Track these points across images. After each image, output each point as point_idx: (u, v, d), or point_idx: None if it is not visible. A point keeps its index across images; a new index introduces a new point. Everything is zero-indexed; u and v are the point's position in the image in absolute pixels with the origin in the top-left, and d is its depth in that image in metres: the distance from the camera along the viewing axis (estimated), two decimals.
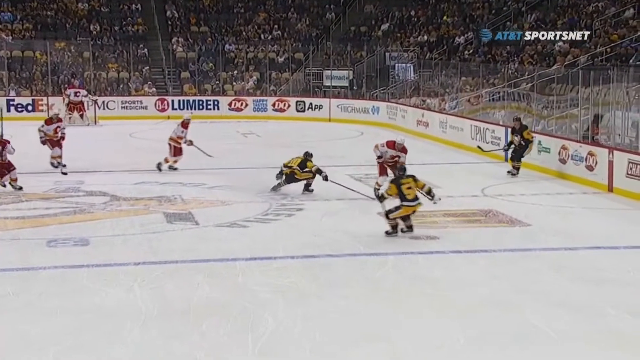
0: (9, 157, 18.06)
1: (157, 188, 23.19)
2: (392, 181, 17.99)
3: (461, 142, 33.74)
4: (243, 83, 49.84)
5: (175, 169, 26.45)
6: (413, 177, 17.45)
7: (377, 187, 20.18)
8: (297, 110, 46.10)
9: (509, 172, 26.35)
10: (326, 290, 14.57)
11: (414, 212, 17.18)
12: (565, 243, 17.98)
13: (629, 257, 17.29)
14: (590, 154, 23.11)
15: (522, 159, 25.97)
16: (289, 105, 46.64)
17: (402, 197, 16.74)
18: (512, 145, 26.01)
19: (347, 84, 48.09)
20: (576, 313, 13.18)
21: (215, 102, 47.39)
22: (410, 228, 17.65)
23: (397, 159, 20.04)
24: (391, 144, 19.52)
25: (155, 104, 46.35)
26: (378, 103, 44.23)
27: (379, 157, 20.04)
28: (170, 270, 15.77)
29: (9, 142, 18.58)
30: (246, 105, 46.95)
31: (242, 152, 33.12)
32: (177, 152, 26.56)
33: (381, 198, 18.26)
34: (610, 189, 23.14)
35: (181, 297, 13.64)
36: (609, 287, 14.82)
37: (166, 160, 26.22)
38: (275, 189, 23.48)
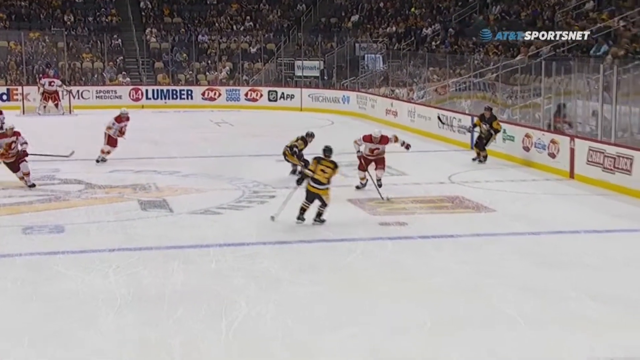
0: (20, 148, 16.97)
1: (131, 176, 23.17)
2: (315, 157, 17.55)
3: (429, 130, 33.80)
4: (216, 73, 49.81)
5: (104, 160, 25.94)
6: (335, 164, 16.90)
7: (360, 182, 20.10)
8: (270, 100, 46.09)
9: (474, 159, 26.68)
10: (298, 276, 14.60)
11: (318, 195, 16.65)
12: (529, 228, 18.19)
13: (589, 241, 17.48)
14: (553, 142, 23.26)
15: (487, 147, 26.24)
16: (261, 95, 46.55)
17: (313, 176, 16.23)
18: (477, 128, 26.39)
19: (318, 74, 48.12)
20: (541, 297, 13.33)
21: (189, 92, 47.25)
22: (319, 217, 17.43)
23: (376, 150, 19.84)
24: (368, 138, 19.18)
25: (130, 94, 46.13)
26: (348, 93, 44.26)
27: (358, 152, 19.77)
28: (144, 257, 15.76)
29: (19, 134, 17.67)
30: (219, 95, 46.86)
31: (215, 140, 33.06)
32: (110, 142, 26.07)
33: (302, 174, 18.28)
34: (572, 175, 23.34)
35: (156, 283, 13.64)
36: (571, 271, 15.03)
37: (102, 151, 25.89)
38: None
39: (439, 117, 30.43)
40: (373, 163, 19.99)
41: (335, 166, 16.73)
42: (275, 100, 46.05)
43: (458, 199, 21.21)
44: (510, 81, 31.77)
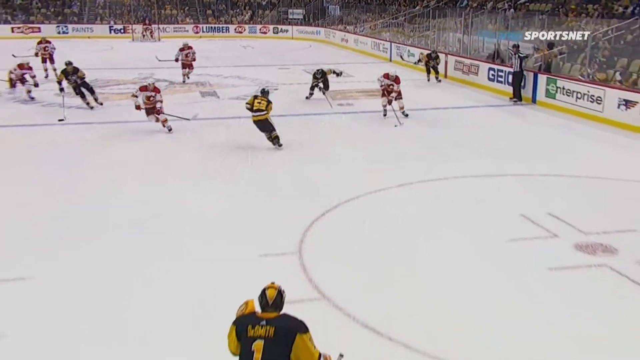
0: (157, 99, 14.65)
1: (195, 78, 23.00)
2: (253, 95, 13.60)
3: (365, 51, 33.40)
4: (242, 17, 48.91)
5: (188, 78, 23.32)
6: (269, 102, 12.98)
7: (383, 106, 16.28)
8: (274, 33, 45.48)
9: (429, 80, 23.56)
10: (291, 129, 14.71)
11: (262, 122, 12.95)
12: (416, 106, 17.70)
13: (454, 112, 17.52)
14: (437, 57, 23.07)
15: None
16: (269, 30, 45.86)
17: (252, 109, 12.96)
18: (420, 62, 24.39)
19: (301, 17, 47.57)
20: (427, 141, 13.52)
21: (227, 28, 46.35)
22: (277, 142, 13.20)
23: (392, 87, 15.98)
24: (386, 75, 15.96)
25: (192, 29, 45.36)
26: (320, 28, 43.46)
27: (381, 86, 16.24)
28: (204, 123, 15.86)
29: (159, 91, 14.95)
30: (244, 30, 46.17)
31: (243, 57, 32.62)
32: (184, 66, 22.76)
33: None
34: (445, 76, 23.20)
35: (212, 137, 13.68)
36: (444, 128, 15.21)
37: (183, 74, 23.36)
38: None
39: (401, 57, 27.92)
40: (393, 94, 16.18)
41: (268, 101, 13.00)
42: (277, 33, 45.40)
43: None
44: (412, 21, 31.51)
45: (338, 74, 20.28)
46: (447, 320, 6.65)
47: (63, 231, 9.00)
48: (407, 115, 16.20)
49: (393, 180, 11.04)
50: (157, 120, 14.68)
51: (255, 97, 13.08)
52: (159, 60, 24.79)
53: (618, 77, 16.27)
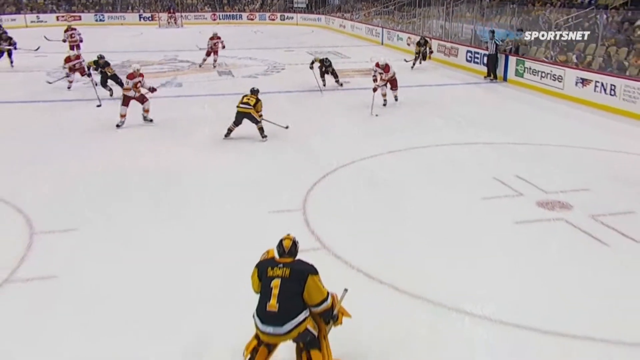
0: (143, 91, 12.96)
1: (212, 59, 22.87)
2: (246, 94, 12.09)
3: (361, 35, 32.94)
4: (253, 5, 48.30)
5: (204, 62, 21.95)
6: (258, 101, 11.74)
7: (383, 95, 14.72)
8: (281, 20, 44.87)
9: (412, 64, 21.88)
10: (294, 101, 14.75)
11: (247, 114, 11.65)
12: (404, 84, 17.49)
13: (438, 89, 17.35)
14: (426, 41, 22.81)
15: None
16: (277, 17, 45.25)
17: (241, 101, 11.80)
18: (418, 55, 21.51)
19: (305, 6, 47.00)
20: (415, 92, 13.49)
21: (240, 15, 45.71)
22: (261, 131, 11.87)
23: (381, 74, 14.55)
24: (377, 65, 14.50)
25: (210, 17, 44.69)
26: (321, 16, 42.83)
27: (373, 76, 14.67)
28: (221, 98, 15.72)
29: (143, 76, 12.97)
30: (255, 17, 45.58)
31: (254, 40, 32.32)
32: (208, 54, 21.55)
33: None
34: (430, 58, 22.76)
35: (228, 110, 13.58)
36: (430, 95, 15.06)
37: (203, 60, 21.87)
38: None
39: (405, 60, 23.43)
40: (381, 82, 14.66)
41: (257, 99, 11.75)
42: (284, 20, 44.75)
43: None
44: (401, 10, 31.11)
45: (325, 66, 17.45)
46: (429, 264, 6.76)
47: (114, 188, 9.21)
48: (396, 100, 14.99)
49: (383, 148, 11.09)
50: (142, 105, 12.97)
51: (246, 95, 11.98)
52: (200, 48, 23.68)
53: (574, 59, 16.26)
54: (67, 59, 16.59)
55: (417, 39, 22.18)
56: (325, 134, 12.36)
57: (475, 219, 8.06)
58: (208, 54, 21.54)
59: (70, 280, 6.54)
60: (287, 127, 12.28)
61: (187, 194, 8.95)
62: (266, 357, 4.67)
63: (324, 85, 17.27)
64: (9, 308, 6.03)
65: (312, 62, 17.21)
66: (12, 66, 20.68)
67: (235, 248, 7.10)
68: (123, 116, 12.76)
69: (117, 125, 12.75)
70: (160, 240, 7.41)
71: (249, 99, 11.71)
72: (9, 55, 20.76)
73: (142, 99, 12.95)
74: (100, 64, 15.66)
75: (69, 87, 16.81)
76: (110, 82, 15.92)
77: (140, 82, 12.78)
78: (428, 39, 21.86)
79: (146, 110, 13.10)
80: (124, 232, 7.70)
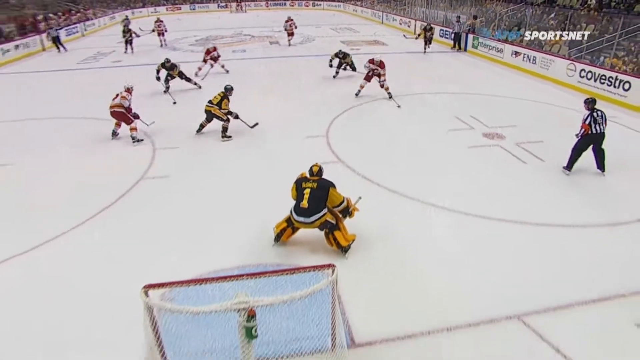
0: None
1: (265, 33, 22.20)
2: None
3: (367, 17, 31.13)
4: None
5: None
6: (223, 99, 8.15)
7: (360, 88, 10.82)
8: (312, 6, 41.85)
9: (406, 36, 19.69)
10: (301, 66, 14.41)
11: (213, 113, 8.23)
12: (395, 50, 16.93)
13: (442, 58, 16.79)
14: (431, 27, 21.73)
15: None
16: (310, 4, 42.02)
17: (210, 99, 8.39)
18: (418, 36, 17.86)
19: None
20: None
21: (284, 3, 42.55)
22: (224, 133, 8.32)
23: (376, 71, 10.59)
24: (371, 61, 10.63)
25: (264, 4, 42.29)
26: (340, 2, 39.65)
27: (367, 70, 10.72)
28: (273, 60, 15.45)
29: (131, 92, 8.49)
30: (295, 4, 42.39)
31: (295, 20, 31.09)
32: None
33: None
34: (431, 44, 21.85)
35: (277, 69, 13.19)
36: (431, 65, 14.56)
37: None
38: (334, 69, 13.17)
39: (404, 35, 20.20)
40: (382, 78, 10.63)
41: (223, 97, 8.11)
42: (315, 6, 41.45)
43: (377, 41, 19.58)
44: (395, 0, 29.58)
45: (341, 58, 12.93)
46: (411, 173, 6.86)
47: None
48: (390, 96, 10.73)
49: (382, 94, 10.91)
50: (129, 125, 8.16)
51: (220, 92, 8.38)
52: (276, 31, 20.46)
53: (511, 37, 15.63)
54: (207, 51, 13.15)
55: (424, 24, 19.12)
56: (343, 85, 12.02)
57: (442, 144, 8.03)
58: (289, 35, 18.59)
59: (178, 178, 6.82)
60: (253, 127, 8.53)
61: (248, 129, 8.62)
62: (289, 235, 5.01)
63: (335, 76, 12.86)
64: (144, 194, 6.35)
65: (331, 60, 12.89)
66: (132, 52, 17.33)
67: (287, 161, 7.20)
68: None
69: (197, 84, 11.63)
70: (240, 162, 7.48)
71: (215, 97, 8.28)
72: (129, 43, 17.40)
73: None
74: (167, 67, 11.30)
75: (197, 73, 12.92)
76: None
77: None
78: (433, 26, 18.20)
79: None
80: (212, 152, 7.83)
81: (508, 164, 7.29)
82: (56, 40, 18.47)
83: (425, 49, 17.09)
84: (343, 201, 4.88)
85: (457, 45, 17.79)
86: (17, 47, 16.94)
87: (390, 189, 6.35)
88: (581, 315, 4.10)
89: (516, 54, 14.34)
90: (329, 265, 3.34)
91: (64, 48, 18.57)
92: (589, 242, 5.15)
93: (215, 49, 13.05)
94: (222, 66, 13.12)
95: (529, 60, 13.70)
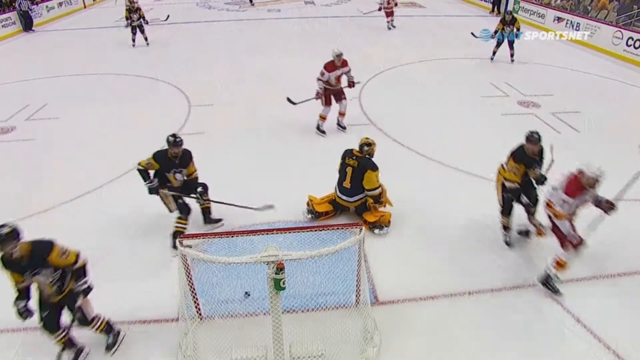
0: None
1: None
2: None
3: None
4: None
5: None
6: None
7: (320, 120, 6.70)
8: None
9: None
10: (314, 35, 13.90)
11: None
12: (431, 13, 16.29)
13: (458, 20, 16.06)
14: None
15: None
16: None
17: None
18: (498, 32, 16.28)
19: None
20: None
21: None
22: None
23: (340, 77, 6.55)
24: (330, 66, 6.40)
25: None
26: None
27: (323, 88, 6.49)
28: (306, 20, 14.91)
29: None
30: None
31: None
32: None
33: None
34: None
35: (311, 29, 12.86)
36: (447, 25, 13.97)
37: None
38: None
39: (472, 34, 11.64)
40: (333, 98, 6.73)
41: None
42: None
43: (417, 4, 18.65)
44: None
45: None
46: (442, 136, 6.76)
47: None
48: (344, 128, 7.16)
49: (415, 58, 10.60)
50: None
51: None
52: (363, 13, 15.88)
53: (554, 2, 14.44)
54: None
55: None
56: (373, 47, 11.62)
57: (477, 110, 7.81)
58: (387, 15, 13.69)
59: (212, 133, 6.89)
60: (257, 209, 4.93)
61: (279, 90, 8.02)
62: (330, 217, 4.88)
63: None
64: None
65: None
66: (147, 43, 12.02)
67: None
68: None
69: None
70: (272, 113, 7.45)
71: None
72: (142, 32, 11.97)
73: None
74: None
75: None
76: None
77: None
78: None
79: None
80: (240, 103, 7.80)
81: (543, 133, 6.95)
82: None
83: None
84: (376, 188, 4.72)
85: (496, 9, 16.86)
86: (60, 4, 17.17)
87: (419, 152, 6.27)
88: (606, 289, 4.03)
89: (559, 19, 13.47)
90: (356, 224, 3.36)
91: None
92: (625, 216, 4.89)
93: None
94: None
95: (572, 26, 12.86)
